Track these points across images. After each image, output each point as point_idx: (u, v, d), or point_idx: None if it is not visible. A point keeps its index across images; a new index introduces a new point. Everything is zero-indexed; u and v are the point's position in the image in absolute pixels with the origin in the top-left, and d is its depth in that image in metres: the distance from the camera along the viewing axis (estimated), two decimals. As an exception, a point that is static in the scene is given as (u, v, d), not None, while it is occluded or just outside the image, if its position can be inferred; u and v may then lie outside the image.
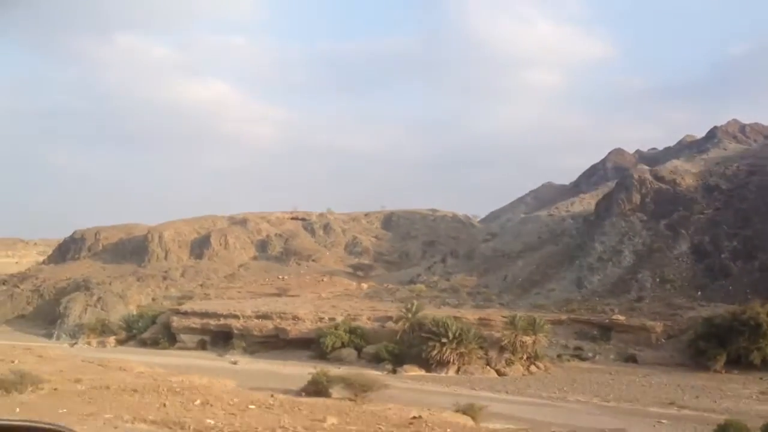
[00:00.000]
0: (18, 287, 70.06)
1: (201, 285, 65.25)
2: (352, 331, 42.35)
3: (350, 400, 23.06)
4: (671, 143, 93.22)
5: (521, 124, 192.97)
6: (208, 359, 43.64)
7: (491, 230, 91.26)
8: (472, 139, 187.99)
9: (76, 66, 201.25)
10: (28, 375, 16.65)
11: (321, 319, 45.50)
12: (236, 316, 47.57)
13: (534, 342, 38.91)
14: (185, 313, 49.90)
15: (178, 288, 64.69)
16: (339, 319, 44.94)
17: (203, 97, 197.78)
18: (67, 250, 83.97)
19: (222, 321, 47.76)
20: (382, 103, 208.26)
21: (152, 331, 51.22)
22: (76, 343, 51.87)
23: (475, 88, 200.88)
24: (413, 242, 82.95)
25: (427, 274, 60.53)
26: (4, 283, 71.90)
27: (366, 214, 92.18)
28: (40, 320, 65.91)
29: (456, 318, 40.45)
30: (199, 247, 75.29)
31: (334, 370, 31.59)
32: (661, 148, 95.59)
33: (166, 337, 49.10)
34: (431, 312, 42.99)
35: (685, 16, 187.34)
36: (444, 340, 37.03)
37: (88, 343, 51.62)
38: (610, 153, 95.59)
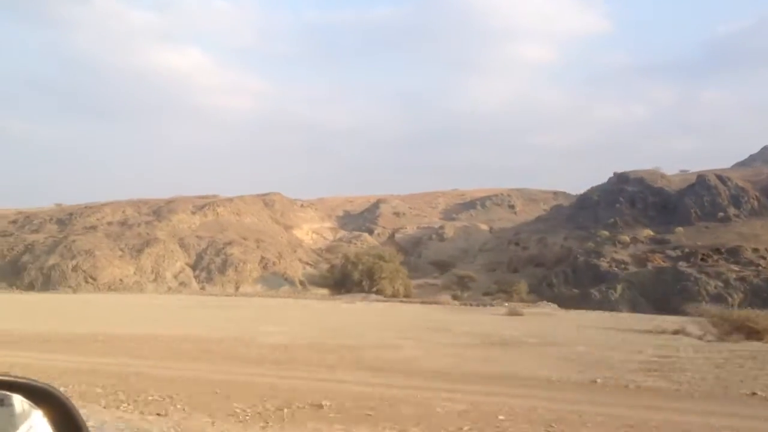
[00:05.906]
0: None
1: None
2: None
3: None
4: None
5: (506, 100, 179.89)
6: None
7: None
8: (456, 115, 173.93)
9: (50, 29, 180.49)
10: None
11: None
12: None
13: None
14: None
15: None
16: None
17: (178, 65, 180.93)
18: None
19: None
20: (367, 76, 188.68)
21: None
22: None
23: (464, 60, 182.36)
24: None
25: None
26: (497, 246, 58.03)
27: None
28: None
29: None
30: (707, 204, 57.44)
31: None
32: None
33: None
34: None
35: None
36: None
37: None
38: None
